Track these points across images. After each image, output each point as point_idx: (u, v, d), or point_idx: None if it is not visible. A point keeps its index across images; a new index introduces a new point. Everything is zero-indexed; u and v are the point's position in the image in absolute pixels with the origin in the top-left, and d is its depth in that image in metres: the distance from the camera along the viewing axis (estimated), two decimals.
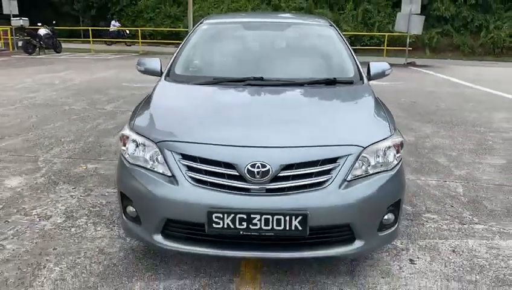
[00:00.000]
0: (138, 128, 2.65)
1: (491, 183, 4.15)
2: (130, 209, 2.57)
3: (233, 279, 2.55)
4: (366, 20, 23.44)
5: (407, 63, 16.62)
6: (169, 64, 3.49)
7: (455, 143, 5.48)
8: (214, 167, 2.34)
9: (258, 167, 2.28)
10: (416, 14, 15.84)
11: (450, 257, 2.82)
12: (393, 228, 2.57)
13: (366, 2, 23.61)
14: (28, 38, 17.58)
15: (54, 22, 19.17)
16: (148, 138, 2.53)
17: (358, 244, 2.41)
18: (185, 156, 2.39)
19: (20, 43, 18.80)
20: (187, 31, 24.19)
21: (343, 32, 16.29)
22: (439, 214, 3.45)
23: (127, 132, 2.68)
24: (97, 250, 2.85)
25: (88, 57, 17.97)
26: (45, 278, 2.54)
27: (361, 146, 2.44)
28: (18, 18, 18.17)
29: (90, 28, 22.63)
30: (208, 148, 2.39)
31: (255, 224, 2.26)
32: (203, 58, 3.66)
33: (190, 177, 2.35)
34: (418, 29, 16.38)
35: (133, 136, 2.61)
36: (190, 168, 2.37)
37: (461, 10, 21.90)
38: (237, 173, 2.30)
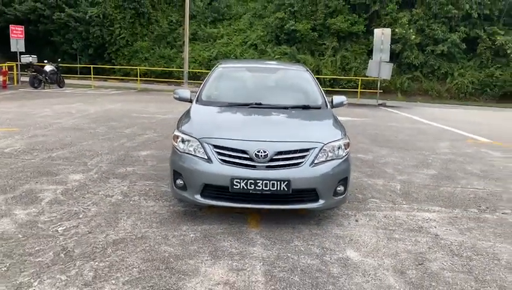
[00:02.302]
0: (185, 131, 4.23)
1: (421, 184, 5.79)
2: (179, 181, 4.11)
3: (243, 225, 4.07)
4: (344, 65, 25.71)
5: (379, 104, 18.62)
6: (198, 94, 5.11)
7: (403, 161, 7.16)
8: (234, 153, 3.92)
9: (261, 153, 3.87)
10: (386, 61, 17.98)
11: (382, 219, 4.40)
12: (343, 196, 4.16)
13: (344, 49, 25.97)
14: (35, 73, 19.12)
15: (59, 59, 20.83)
16: (193, 136, 4.12)
17: (320, 202, 3.99)
18: (216, 146, 3.98)
19: (25, 78, 20.28)
20: (182, 70, 26.16)
21: (323, 76, 18.40)
22: (380, 199, 5.05)
23: (178, 133, 4.26)
24: (152, 211, 4.35)
25: (91, 92, 19.53)
26: (123, 223, 4.02)
27: (323, 143, 4.06)
28: (28, 55, 19.74)
29: (91, 65, 24.28)
30: (230, 141, 3.99)
31: (259, 186, 3.82)
32: (220, 90, 5.30)
33: (219, 159, 3.93)
34: (387, 75, 18.53)
35: (182, 135, 4.19)
36: (219, 153, 3.95)
37: (429, 59, 24.34)
38: (248, 156, 3.89)
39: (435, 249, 3.74)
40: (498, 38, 23.21)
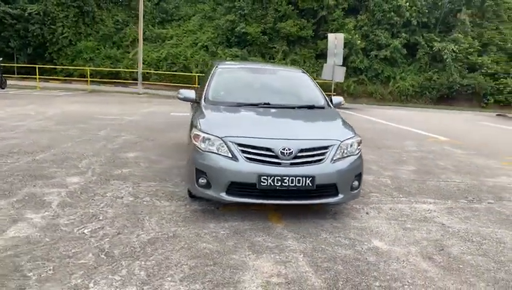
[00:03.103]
0: (206, 130, 4.28)
1: (408, 179, 6.21)
2: (201, 179, 4.16)
3: (267, 221, 4.20)
4: None
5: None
6: (204, 94, 5.16)
7: (381, 158, 7.59)
8: (259, 151, 4.04)
9: (286, 150, 4.03)
10: (339, 65, 18.73)
11: (389, 211, 4.71)
12: (357, 190, 4.41)
13: (293, 53, 26.64)
14: None
15: (0, 58, 19.58)
16: (214, 135, 4.18)
17: (340, 196, 4.21)
18: (241, 145, 4.08)
19: None
20: (131, 71, 25.54)
21: None
22: (379, 193, 5.38)
23: (198, 132, 4.29)
24: (171, 211, 4.36)
25: (38, 93, 18.57)
26: (148, 223, 4.00)
27: (339, 140, 4.29)
28: None
29: (35, 65, 23.06)
30: (255, 140, 4.10)
31: (285, 183, 3.97)
32: (226, 90, 5.36)
33: (244, 157, 4.04)
34: (340, 78, 19.31)
35: (203, 134, 4.24)
36: (244, 152, 4.05)
37: (373, 63, 25.61)
38: (274, 154, 4.03)
39: (447, 236, 4.08)
40: (435, 44, 24.90)
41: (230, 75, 5.67)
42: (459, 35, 25.05)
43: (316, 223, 4.22)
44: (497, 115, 20.85)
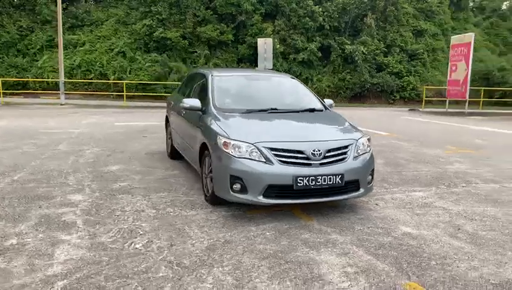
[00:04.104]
0: (235, 137, 4.42)
1: (385, 171, 6.83)
2: (236, 185, 4.30)
3: (298, 220, 4.46)
4: None
5: None
6: (211, 102, 5.23)
7: None
8: (292, 153, 4.31)
9: (316, 151, 4.34)
10: (269, 69, 19.38)
11: (393, 201, 5.21)
12: (371, 184, 4.85)
13: (215, 57, 26.86)
14: None
15: None
16: (246, 141, 4.35)
17: (361, 191, 4.62)
18: (273, 149, 4.30)
19: None
20: (40, 81, 23.86)
21: None
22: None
23: (227, 140, 4.42)
24: (204, 219, 4.43)
25: None
26: (193, 232, 4.05)
27: (355, 139, 4.70)
28: None
29: None
30: (287, 144, 4.36)
31: (319, 182, 4.28)
32: (230, 97, 5.47)
33: (278, 160, 4.27)
34: None
35: (234, 142, 4.39)
36: (277, 155, 4.29)
37: (292, 66, 26.78)
38: (305, 156, 4.32)
39: (454, 217, 4.68)
40: (347, 47, 26.76)
41: (228, 83, 5.80)
42: (367, 38, 27.19)
43: (342, 217, 4.58)
44: (409, 110, 23.03)
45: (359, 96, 27.29)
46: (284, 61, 26.95)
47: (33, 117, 13.81)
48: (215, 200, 4.78)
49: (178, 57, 27.10)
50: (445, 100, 21.39)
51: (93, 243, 3.77)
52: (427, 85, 26.72)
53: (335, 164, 4.41)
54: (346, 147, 4.57)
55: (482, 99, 23.59)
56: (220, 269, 3.33)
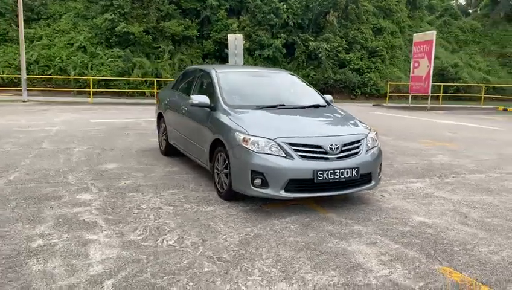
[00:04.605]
0: (254, 133, 4.50)
1: None
2: (257, 180, 4.39)
3: (317, 213, 4.60)
4: (182, 68, 26.29)
5: None
6: (220, 98, 5.26)
7: None
8: (311, 148, 4.44)
9: (334, 146, 4.49)
10: (240, 65, 19.46)
11: (396, 192, 5.46)
12: (380, 177, 5.07)
13: (180, 53, 26.57)
14: None
15: None
16: (266, 137, 4.44)
17: (372, 183, 4.83)
18: (293, 144, 4.42)
19: None
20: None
21: (164, 79, 19.09)
22: None
23: (247, 136, 4.49)
24: (225, 214, 4.47)
25: None
26: (220, 227, 4.09)
27: (365, 134, 4.90)
28: None
29: None
30: (306, 139, 4.49)
31: (337, 175, 4.44)
32: (237, 94, 5.50)
33: (298, 155, 4.39)
34: None
35: (253, 138, 4.46)
36: (296, 150, 4.41)
37: (257, 62, 26.93)
38: (323, 150, 4.46)
39: (458, 205, 4.99)
40: (310, 44, 27.23)
41: (234, 80, 5.83)
42: (330, 35, 27.78)
43: (356, 209, 4.76)
44: (373, 105, 23.77)
45: (323, 92, 27.45)
46: (250, 57, 27.05)
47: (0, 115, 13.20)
48: (230, 196, 4.83)
49: (141, 52, 26.58)
50: (405, 95, 22.30)
51: (124, 241, 3.74)
52: (387, 81, 27.68)
53: (350, 158, 4.58)
54: (358, 141, 4.75)
55: (441, 94, 24.74)
56: (262, 261, 3.41)
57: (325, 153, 4.46)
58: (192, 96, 5.39)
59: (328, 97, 6.12)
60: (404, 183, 5.92)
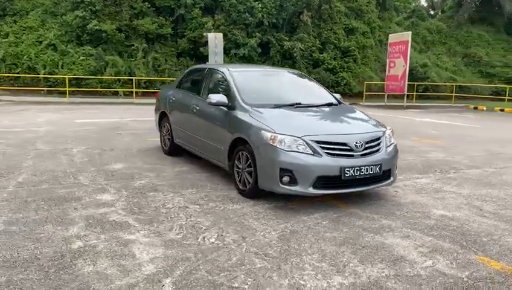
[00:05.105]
0: (281, 131, 4.57)
1: None
2: (285, 178, 4.47)
3: (341, 209, 4.72)
4: (156, 67, 25.99)
5: None
6: (239, 97, 5.29)
7: None
8: (337, 146, 4.56)
9: (358, 143, 4.63)
10: (220, 64, 19.42)
11: (408, 188, 5.65)
12: (396, 173, 5.24)
13: (154, 51, 26.19)
14: None
15: None
16: (293, 135, 4.52)
17: (391, 179, 5.00)
18: (320, 142, 4.53)
19: None
20: None
21: (138, 78, 18.83)
22: None
23: (274, 134, 4.55)
24: (254, 211, 4.52)
25: None
26: (254, 225, 4.14)
27: (383, 131, 5.06)
28: None
29: None
30: (332, 137, 4.60)
31: (363, 171, 4.58)
32: (254, 93, 5.52)
33: (325, 152, 4.50)
34: None
35: (280, 136, 4.54)
36: (323, 148, 4.51)
37: (233, 61, 26.88)
38: (349, 147, 4.59)
39: (469, 199, 5.22)
40: (285, 43, 27.45)
41: (248, 79, 5.85)
42: (304, 34, 28.10)
43: (377, 205, 4.91)
44: (349, 104, 24.16)
45: None
46: (225, 56, 26.92)
47: None
48: (253, 194, 4.88)
49: (114, 50, 25.98)
50: (377, 94, 22.88)
51: (165, 240, 3.73)
52: (359, 80, 28.27)
53: (373, 155, 4.73)
54: (378, 138, 4.90)
55: (415, 93, 25.53)
56: (309, 256, 3.49)
57: (351, 150, 4.58)
58: (210, 96, 5.39)
59: (337, 96, 6.25)
60: (412, 179, 6.14)
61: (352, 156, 4.59)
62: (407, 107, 21.18)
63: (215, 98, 5.34)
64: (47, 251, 3.47)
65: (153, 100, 20.30)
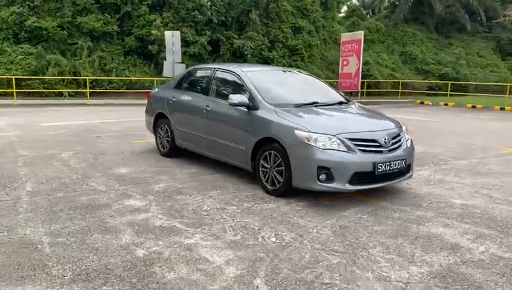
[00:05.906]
0: (315, 130, 4.69)
1: None
2: (322, 175, 4.60)
3: (371, 203, 4.92)
4: (103, 66, 24.98)
5: None
6: (260, 97, 5.31)
7: None
8: (368, 142, 4.76)
9: (387, 139, 4.86)
10: (178, 62, 19.04)
11: (418, 179, 5.98)
12: (412, 167, 5.53)
13: (100, 50, 25.15)
14: None
15: None
16: (328, 134, 4.66)
17: (410, 173, 5.29)
18: (352, 139, 4.70)
19: None
20: None
21: (84, 77, 18.35)
22: None
23: (308, 133, 4.66)
24: (291, 210, 4.60)
25: None
26: (300, 222, 4.23)
27: (401, 127, 5.33)
28: None
29: None
30: (363, 134, 4.80)
31: (392, 166, 4.82)
32: (272, 92, 5.56)
33: (358, 149, 4.68)
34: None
35: (315, 135, 4.65)
36: (356, 145, 4.70)
37: (183, 59, 26.31)
38: (378, 144, 4.80)
39: (475, 188, 5.64)
40: (235, 41, 27.49)
41: (263, 79, 5.83)
42: (253, 33, 28.29)
43: (401, 197, 5.17)
44: None
45: None
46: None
47: None
48: (283, 193, 4.95)
49: (56, 49, 24.63)
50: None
51: (227, 242, 3.72)
52: None
53: (398, 150, 4.98)
54: (399, 134, 5.16)
55: (365, 90, 26.62)
56: (375, 249, 3.64)
57: (380, 146, 4.79)
58: (231, 96, 5.36)
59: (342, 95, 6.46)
60: (414, 172, 6.47)
61: (381, 152, 4.80)
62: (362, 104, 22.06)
63: (237, 98, 5.33)
64: (114, 261, 3.33)
65: (109, 100, 19.51)
